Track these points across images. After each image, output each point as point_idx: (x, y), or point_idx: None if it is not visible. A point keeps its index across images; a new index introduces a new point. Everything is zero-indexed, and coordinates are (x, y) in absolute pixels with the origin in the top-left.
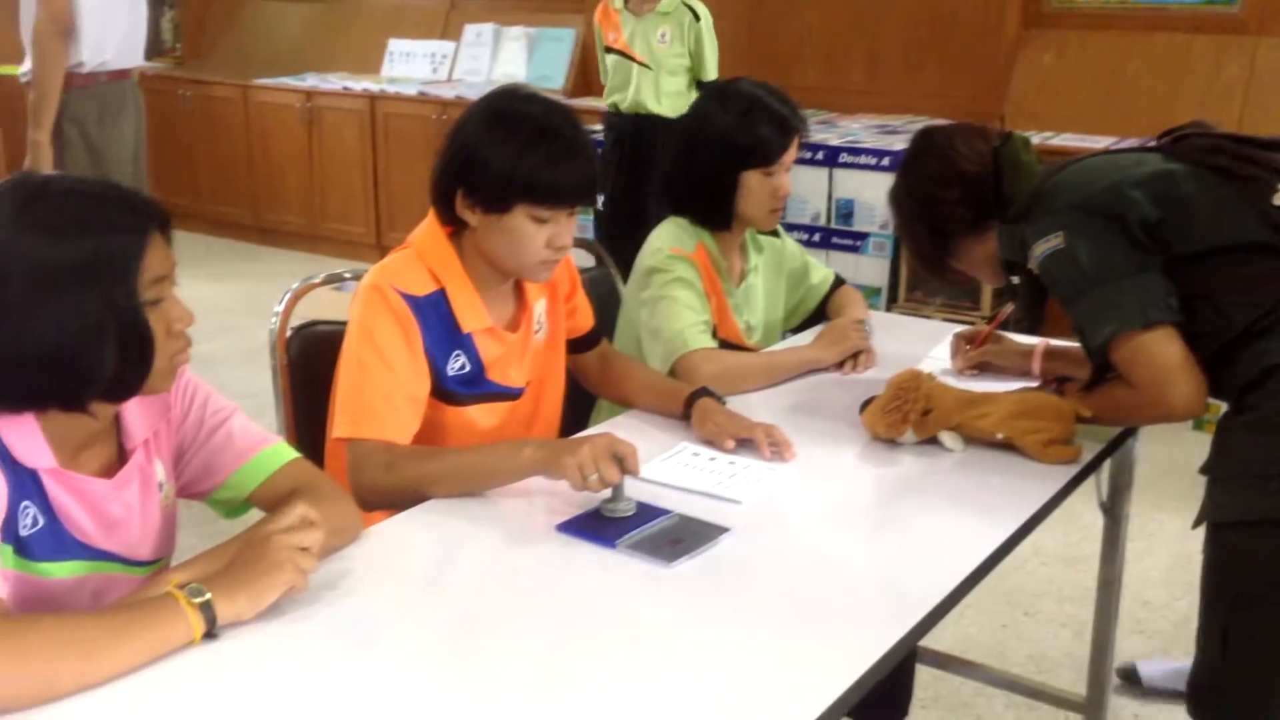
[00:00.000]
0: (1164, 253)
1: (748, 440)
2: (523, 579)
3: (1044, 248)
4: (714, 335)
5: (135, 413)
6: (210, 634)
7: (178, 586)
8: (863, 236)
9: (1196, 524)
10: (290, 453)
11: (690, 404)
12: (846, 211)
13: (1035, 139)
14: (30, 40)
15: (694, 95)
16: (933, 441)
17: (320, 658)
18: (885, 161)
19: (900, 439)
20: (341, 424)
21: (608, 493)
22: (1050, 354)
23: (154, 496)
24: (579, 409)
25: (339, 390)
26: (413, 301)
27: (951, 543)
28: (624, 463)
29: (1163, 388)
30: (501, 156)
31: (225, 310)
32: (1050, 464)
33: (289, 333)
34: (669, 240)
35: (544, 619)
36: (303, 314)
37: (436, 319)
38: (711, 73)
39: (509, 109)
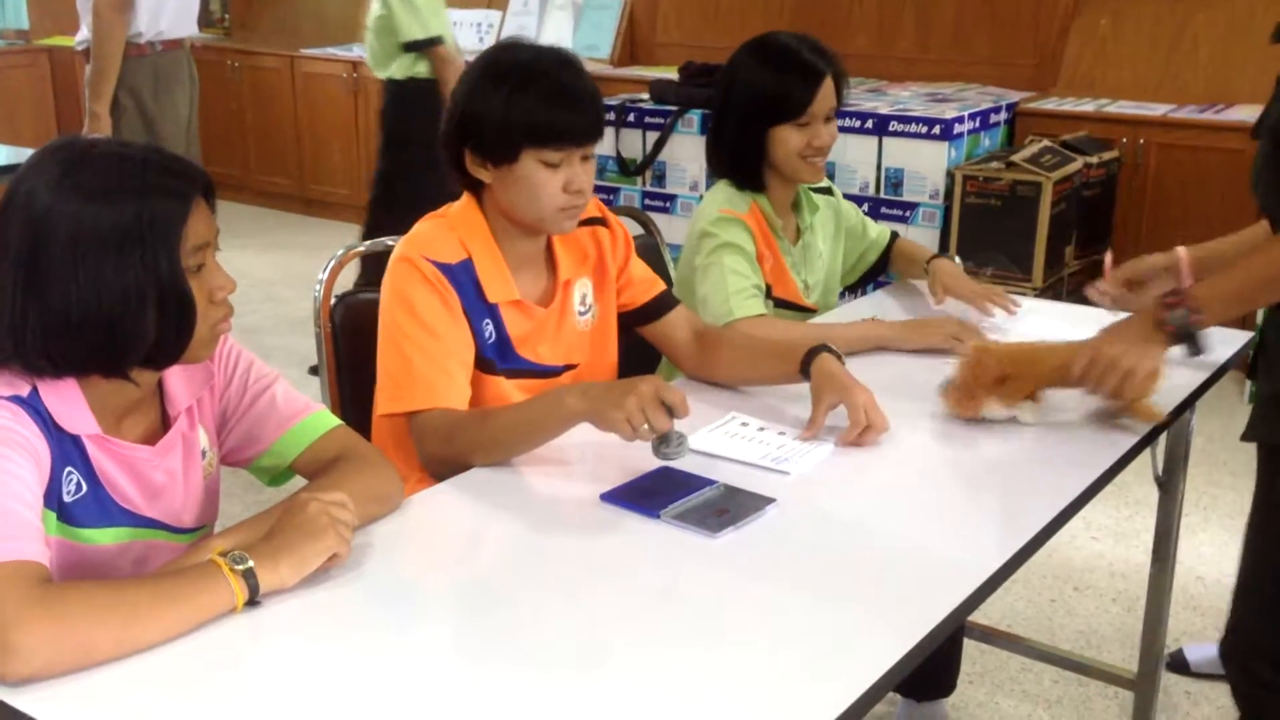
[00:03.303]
0: None
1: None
2: (565, 549)
3: None
4: (769, 295)
5: (178, 380)
6: (252, 601)
7: (220, 554)
8: (912, 206)
9: (1246, 438)
10: (332, 420)
11: (808, 364)
12: (896, 181)
13: (1090, 106)
14: (89, 10)
15: (402, 56)
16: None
17: (361, 626)
18: (935, 130)
19: (986, 415)
20: (396, 399)
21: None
22: (1195, 262)
23: (197, 463)
24: None
25: (384, 366)
26: (445, 269)
27: (1002, 516)
28: (674, 410)
29: None
30: (495, 104)
31: (270, 280)
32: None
33: (333, 301)
34: (721, 201)
35: (587, 589)
36: (347, 284)
37: (469, 285)
38: (408, 33)
39: (499, 58)
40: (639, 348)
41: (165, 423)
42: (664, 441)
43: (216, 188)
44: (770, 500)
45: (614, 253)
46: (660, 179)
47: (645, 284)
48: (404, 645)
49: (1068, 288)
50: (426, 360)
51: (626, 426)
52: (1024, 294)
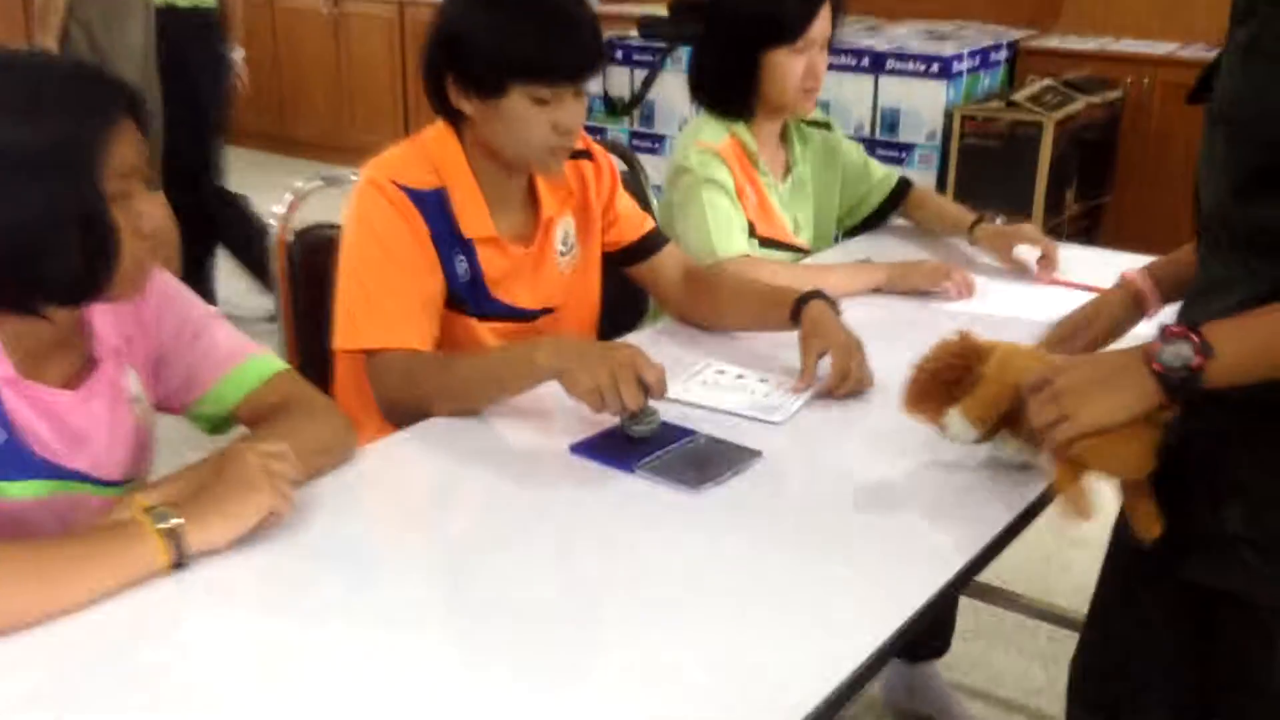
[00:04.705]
0: None
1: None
2: (531, 506)
3: None
4: (754, 234)
5: (105, 317)
6: (180, 564)
7: (145, 510)
8: (908, 148)
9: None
10: (278, 364)
11: (799, 310)
12: (892, 121)
13: (1093, 45)
14: None
15: None
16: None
17: (303, 590)
18: (934, 68)
19: (946, 429)
20: (353, 334)
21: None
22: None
23: (125, 409)
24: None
25: (342, 297)
26: (413, 195)
27: (1004, 475)
28: (649, 390)
29: None
30: (489, 32)
31: None
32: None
33: (290, 239)
34: (697, 135)
35: (554, 549)
36: (310, 220)
37: (440, 215)
38: None
39: None
40: (624, 288)
41: (92, 365)
42: (634, 417)
43: None
44: (756, 453)
45: (599, 188)
46: (649, 118)
47: (633, 221)
48: (351, 611)
49: (1067, 233)
50: (388, 294)
51: (596, 398)
52: None
